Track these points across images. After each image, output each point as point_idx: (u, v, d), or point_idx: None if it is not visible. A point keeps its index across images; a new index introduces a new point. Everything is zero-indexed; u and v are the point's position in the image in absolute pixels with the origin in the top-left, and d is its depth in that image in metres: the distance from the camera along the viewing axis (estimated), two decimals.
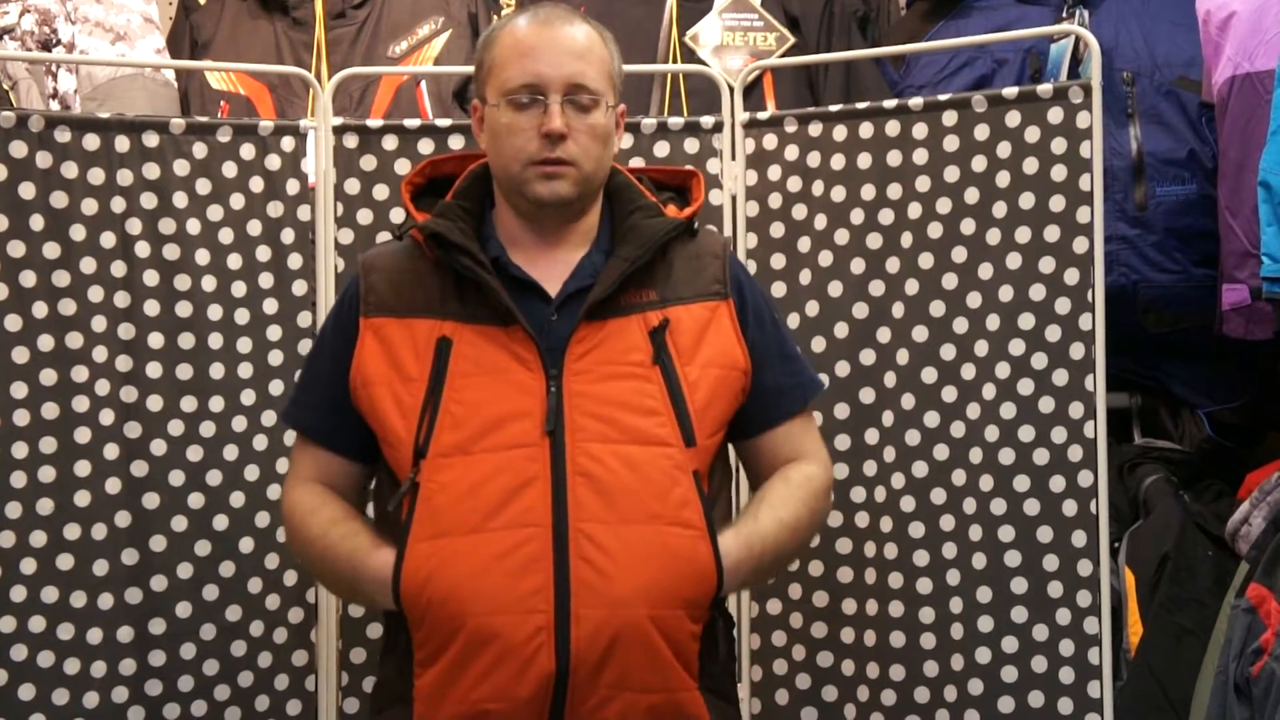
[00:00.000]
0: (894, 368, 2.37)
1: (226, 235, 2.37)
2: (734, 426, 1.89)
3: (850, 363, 2.40)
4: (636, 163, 2.40)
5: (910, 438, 2.36)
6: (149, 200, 2.34)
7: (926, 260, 2.36)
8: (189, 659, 2.33)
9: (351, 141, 2.42)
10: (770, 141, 2.46)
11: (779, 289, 2.44)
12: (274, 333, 2.38)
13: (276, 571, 2.37)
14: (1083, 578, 2.26)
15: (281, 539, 2.33)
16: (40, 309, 2.28)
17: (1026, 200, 2.30)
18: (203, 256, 2.35)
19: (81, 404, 2.29)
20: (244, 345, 2.37)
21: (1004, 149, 2.32)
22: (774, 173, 2.46)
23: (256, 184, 2.39)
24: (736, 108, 2.48)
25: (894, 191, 2.38)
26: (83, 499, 2.29)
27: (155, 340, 2.33)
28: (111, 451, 2.31)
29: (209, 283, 2.35)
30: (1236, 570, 2.33)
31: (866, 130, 2.40)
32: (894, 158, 2.38)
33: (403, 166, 2.40)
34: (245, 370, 2.37)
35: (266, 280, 2.38)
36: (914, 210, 2.36)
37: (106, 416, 2.30)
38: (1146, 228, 2.68)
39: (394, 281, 1.85)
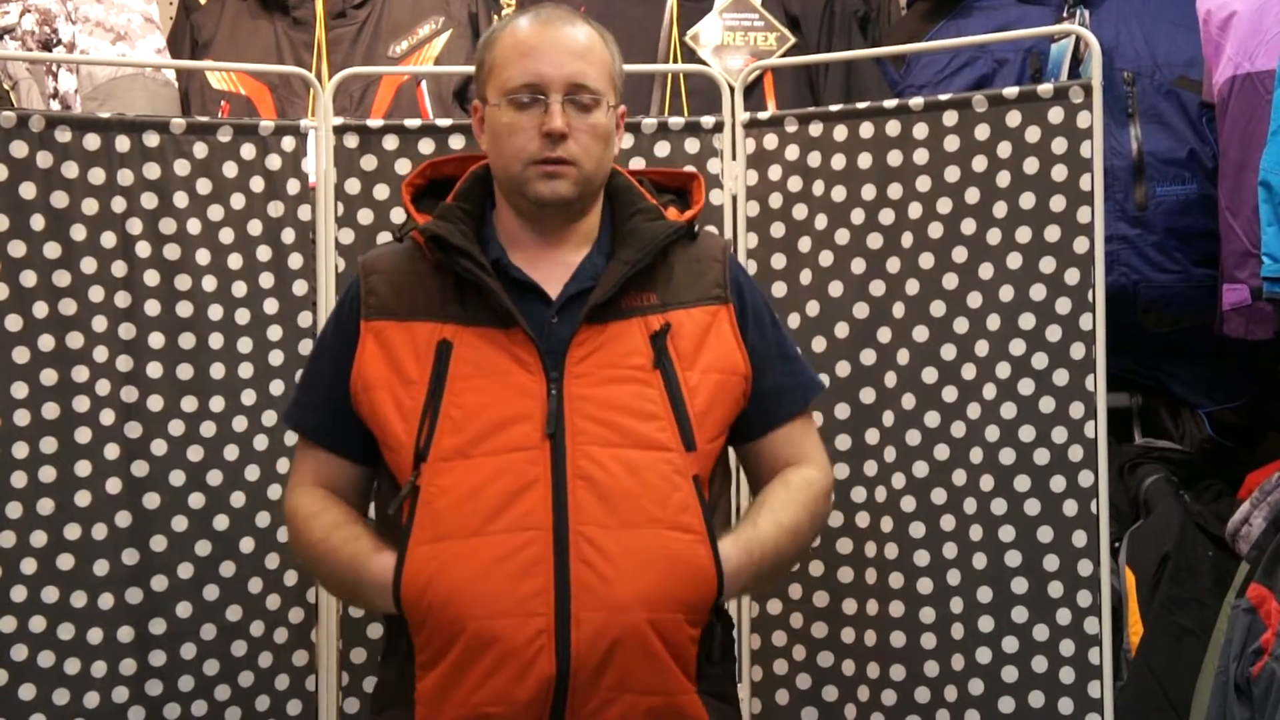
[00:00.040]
0: (894, 368, 2.37)
1: (227, 235, 2.37)
2: (734, 429, 1.89)
3: (851, 363, 2.40)
4: (637, 162, 2.40)
5: (911, 438, 2.36)
6: (149, 200, 2.34)
7: (927, 260, 2.35)
8: (189, 659, 2.33)
9: (352, 141, 2.42)
10: (771, 141, 2.46)
11: (779, 289, 2.44)
12: (274, 333, 2.38)
13: (277, 571, 2.37)
14: (1083, 578, 2.26)
15: (282, 539, 2.33)
16: (41, 309, 2.28)
17: (1027, 200, 2.30)
18: (203, 256, 2.36)
19: (82, 404, 2.29)
20: (244, 345, 2.37)
21: (1004, 149, 2.32)
22: (774, 173, 2.46)
23: (257, 184, 2.39)
24: (737, 108, 2.48)
25: (894, 191, 2.38)
26: (83, 499, 2.29)
27: (156, 340, 2.33)
28: (112, 451, 2.31)
29: (209, 283, 2.35)
30: (1237, 570, 2.33)
31: (867, 130, 2.40)
32: (894, 158, 2.38)
33: (403, 166, 2.40)
34: (246, 370, 2.37)
35: (267, 280, 2.38)
36: (914, 210, 2.36)
37: (107, 416, 2.31)
38: (1147, 228, 2.68)
39: (394, 284, 1.85)
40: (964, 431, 2.33)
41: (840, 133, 2.42)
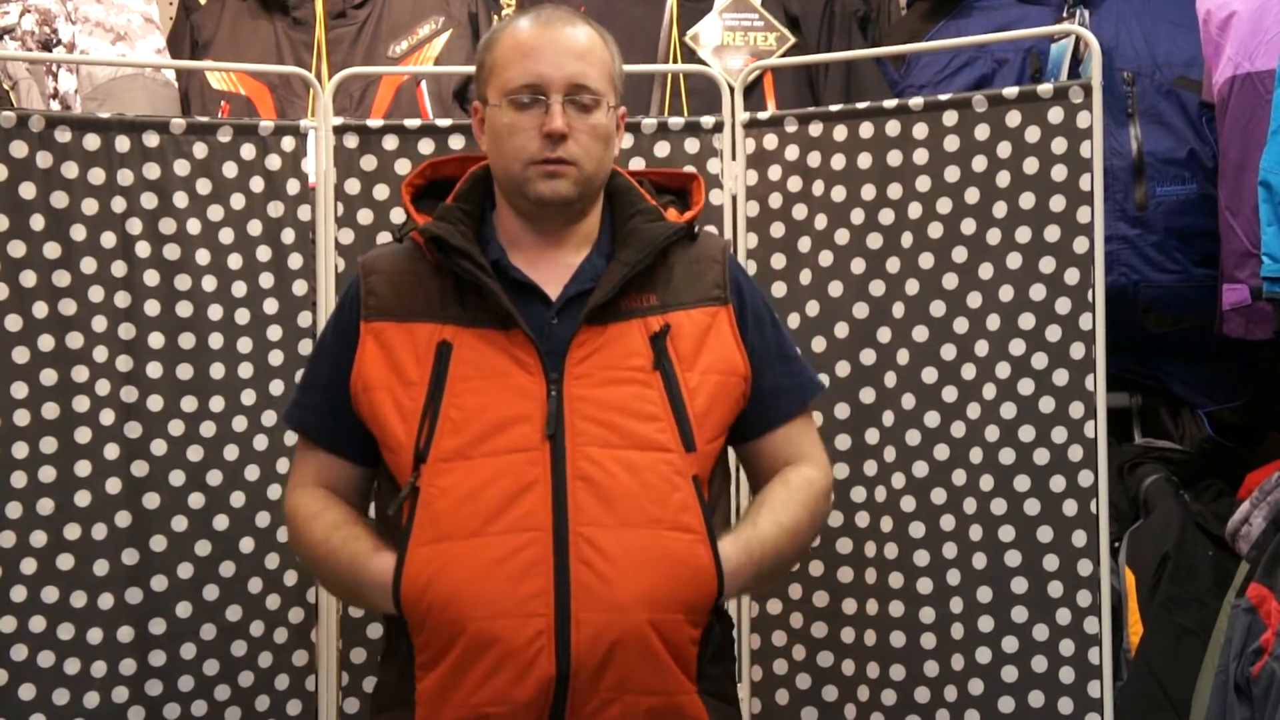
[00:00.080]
0: (894, 367, 2.37)
1: (227, 235, 2.37)
2: (734, 429, 1.89)
3: (850, 363, 2.40)
4: (637, 163, 2.40)
5: (910, 437, 2.36)
6: (149, 200, 2.34)
7: (927, 260, 2.36)
8: (189, 659, 2.33)
9: (352, 141, 2.42)
10: (770, 141, 2.46)
11: (779, 289, 2.44)
12: (274, 333, 2.39)
13: (277, 571, 2.37)
14: (1083, 577, 2.26)
15: (282, 539, 2.33)
16: (41, 309, 2.28)
17: (1027, 200, 2.30)
18: (203, 256, 2.36)
19: (82, 404, 2.29)
20: (244, 345, 2.37)
21: (1004, 149, 2.32)
22: (774, 173, 2.46)
23: (257, 184, 2.39)
24: (737, 108, 2.48)
25: (894, 191, 2.38)
26: (83, 499, 2.29)
27: (156, 340, 2.33)
28: (112, 451, 2.31)
29: (209, 283, 2.36)
30: (1237, 570, 2.33)
31: (867, 130, 2.40)
32: (894, 157, 2.38)
33: (403, 166, 2.40)
34: (245, 370, 2.37)
35: (267, 280, 2.38)
36: (914, 210, 2.36)
37: (107, 416, 2.31)
38: (1147, 227, 2.68)
39: (394, 284, 1.85)
40: (964, 431, 2.33)
41: (840, 133, 2.42)
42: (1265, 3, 2.36)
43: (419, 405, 1.77)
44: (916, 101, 2.38)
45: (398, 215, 2.37)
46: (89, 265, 2.30)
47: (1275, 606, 2.16)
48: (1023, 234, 2.30)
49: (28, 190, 2.28)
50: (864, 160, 2.40)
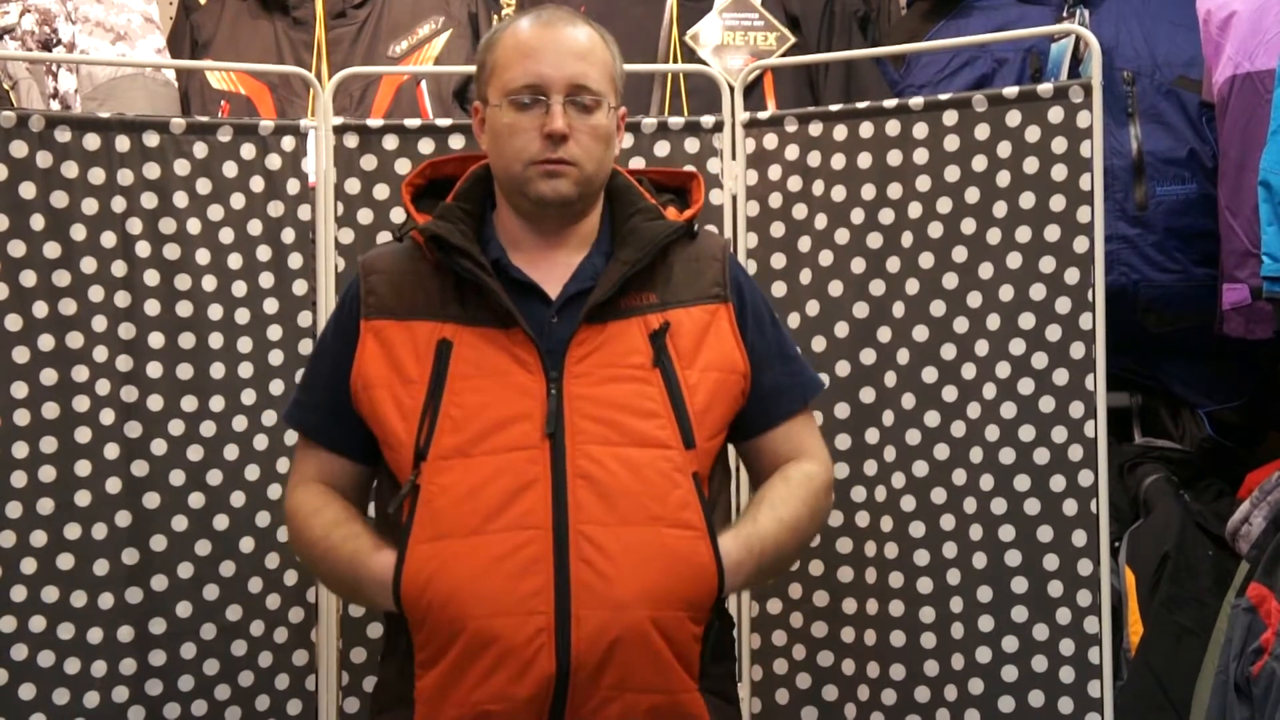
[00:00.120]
0: (894, 367, 2.37)
1: (227, 235, 2.37)
2: (734, 427, 1.89)
3: (850, 362, 2.40)
4: (637, 162, 2.40)
5: (911, 437, 2.36)
6: (149, 200, 2.34)
7: (927, 260, 2.36)
8: (189, 659, 2.33)
9: (352, 141, 2.42)
10: (770, 141, 2.46)
11: (779, 289, 2.44)
12: (274, 332, 2.39)
13: (277, 571, 2.37)
14: (1083, 577, 2.26)
15: (282, 539, 2.33)
16: (41, 309, 2.28)
17: (1027, 200, 2.30)
18: (203, 256, 2.36)
19: (82, 404, 2.29)
20: (244, 345, 2.37)
21: (1004, 148, 2.32)
22: (774, 172, 2.46)
23: (257, 183, 2.39)
24: (737, 107, 2.48)
25: (894, 191, 2.38)
26: (83, 499, 2.29)
27: (156, 340, 2.33)
28: (112, 451, 2.31)
29: (209, 282, 2.36)
30: (1237, 570, 2.33)
31: (867, 130, 2.40)
32: (894, 157, 2.38)
33: (403, 166, 2.40)
34: (246, 370, 2.37)
35: (267, 280, 2.38)
36: (914, 210, 2.36)
37: (107, 416, 2.31)
38: (1147, 227, 2.68)
39: (394, 283, 1.85)
40: (964, 431, 2.33)
41: (840, 132, 2.42)
42: (1265, 3, 2.36)
43: (419, 403, 1.77)
44: (916, 101, 2.38)
45: (398, 215, 2.37)
46: (89, 265, 2.30)
47: (1275, 606, 2.16)
48: (1023, 233, 2.30)
49: (28, 190, 2.28)
50: (864, 160, 2.40)
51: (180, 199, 2.35)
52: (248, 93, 2.96)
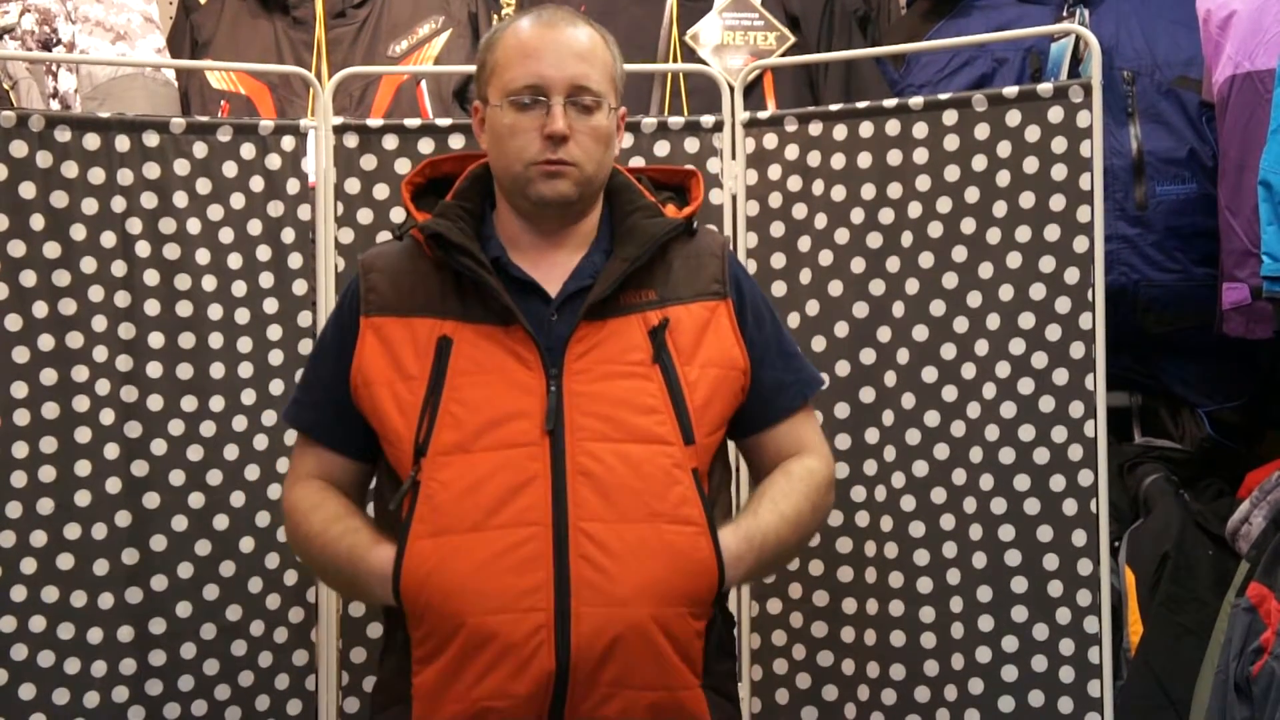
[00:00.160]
0: (894, 367, 2.37)
1: (227, 235, 2.37)
2: (736, 424, 1.89)
3: (850, 362, 2.40)
4: (637, 162, 2.40)
5: (910, 437, 2.36)
6: (149, 200, 2.34)
7: (927, 259, 2.36)
8: (189, 659, 2.33)
9: (352, 141, 2.42)
10: (770, 141, 2.46)
11: (779, 288, 2.44)
12: (274, 332, 2.39)
13: (277, 571, 2.37)
14: (1083, 577, 2.27)
15: (282, 539, 2.33)
16: (40, 309, 2.28)
17: (1027, 199, 2.30)
18: (203, 256, 2.36)
19: (82, 404, 2.29)
20: (244, 345, 2.37)
21: (1004, 148, 2.32)
22: (774, 172, 2.46)
23: (257, 183, 2.39)
24: (737, 107, 2.48)
25: (894, 191, 2.38)
26: (83, 498, 2.29)
27: (155, 340, 2.33)
28: (112, 451, 2.31)
29: (209, 282, 2.36)
30: (1237, 569, 2.33)
31: (867, 129, 2.40)
32: (894, 157, 2.38)
33: (403, 166, 2.40)
34: (245, 370, 2.37)
35: (267, 280, 2.38)
36: (914, 209, 2.37)
37: (107, 416, 2.31)
38: (1147, 227, 2.68)
39: (394, 281, 1.85)
40: (964, 431, 2.33)
41: (840, 132, 2.42)
42: (1265, 2, 2.36)
43: (419, 399, 1.77)
44: (916, 101, 2.38)
45: (397, 215, 2.37)
46: (89, 265, 2.30)
47: (1275, 606, 2.16)
48: (1023, 233, 2.30)
49: (28, 190, 2.28)
50: (864, 159, 2.40)
51: (180, 199, 2.35)
52: (248, 92, 2.96)
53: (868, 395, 2.39)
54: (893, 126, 2.38)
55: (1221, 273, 2.48)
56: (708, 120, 2.46)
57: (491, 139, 1.84)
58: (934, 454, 2.34)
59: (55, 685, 2.26)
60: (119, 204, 2.32)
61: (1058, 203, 2.28)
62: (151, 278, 2.33)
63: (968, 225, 2.34)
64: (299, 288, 2.40)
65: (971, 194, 2.33)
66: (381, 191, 2.41)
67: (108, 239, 2.31)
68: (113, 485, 2.31)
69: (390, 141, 2.42)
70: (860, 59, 2.92)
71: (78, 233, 2.30)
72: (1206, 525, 2.53)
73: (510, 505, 1.71)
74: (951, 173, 2.34)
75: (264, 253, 2.38)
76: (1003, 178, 2.32)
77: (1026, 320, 2.30)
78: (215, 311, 2.36)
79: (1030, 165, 2.30)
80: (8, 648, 2.24)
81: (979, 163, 2.33)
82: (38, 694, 2.25)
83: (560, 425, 1.74)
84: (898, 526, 2.36)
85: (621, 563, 1.70)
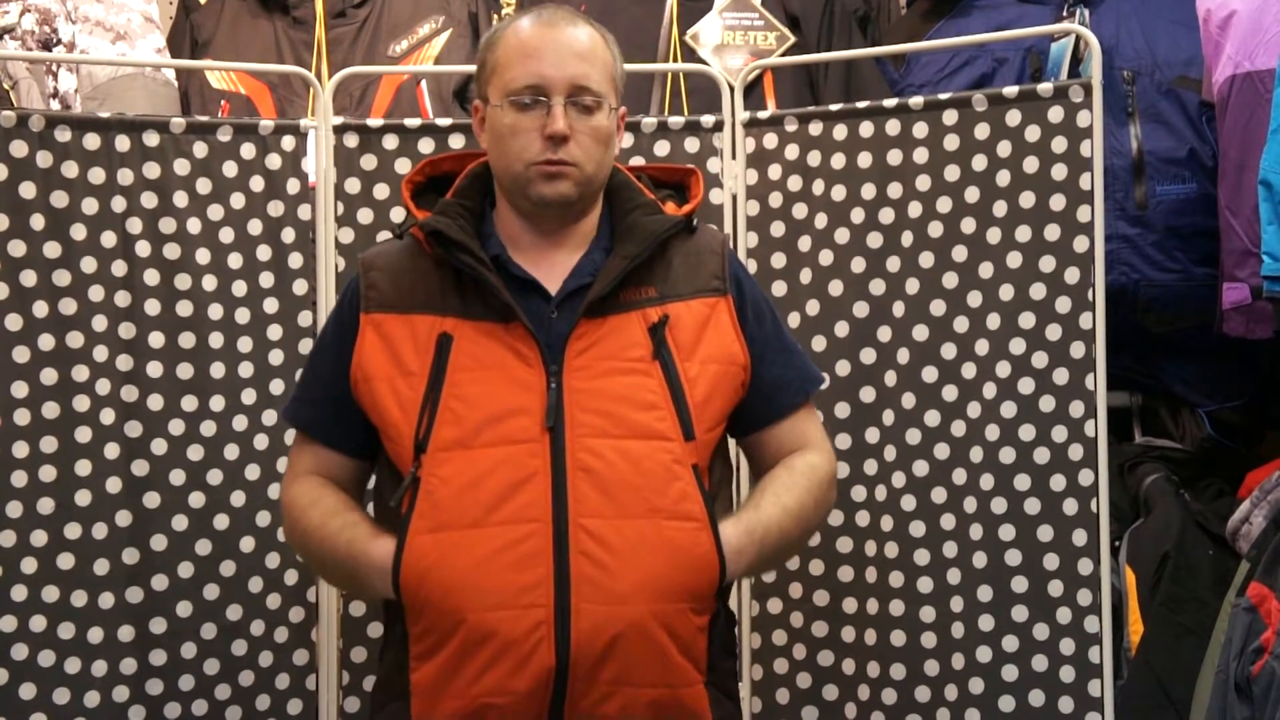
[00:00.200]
0: (894, 366, 2.37)
1: (227, 234, 2.37)
2: (737, 421, 1.89)
3: (851, 362, 2.40)
4: (637, 162, 2.40)
5: (911, 436, 2.36)
6: (149, 199, 2.34)
7: (927, 259, 2.36)
8: (190, 658, 2.33)
9: (352, 141, 2.42)
10: (770, 140, 2.46)
11: (779, 288, 2.44)
12: (275, 332, 2.39)
13: (277, 571, 2.37)
14: (1083, 576, 2.27)
15: (283, 538, 2.32)
16: (41, 308, 2.28)
17: (1027, 199, 2.30)
18: (203, 256, 2.36)
19: (82, 403, 2.29)
20: (244, 344, 2.37)
21: (1004, 148, 2.32)
22: (774, 172, 2.46)
23: (257, 183, 2.39)
24: (737, 107, 2.48)
25: (894, 190, 2.38)
26: (83, 498, 2.29)
27: (156, 339, 2.33)
28: (112, 451, 2.31)
29: (209, 282, 2.36)
30: (1237, 569, 2.33)
31: (867, 129, 2.40)
32: (894, 157, 2.38)
33: (403, 166, 2.40)
34: (246, 369, 2.37)
35: (267, 279, 2.38)
36: (914, 209, 2.37)
37: (107, 416, 2.31)
38: (1147, 227, 2.68)
39: (395, 278, 1.85)
40: (964, 430, 2.33)
41: (840, 132, 2.42)
42: (1265, 2, 2.36)
43: (419, 395, 1.78)
44: (916, 101, 2.38)
45: (398, 214, 2.38)
46: (89, 265, 2.30)
47: (1275, 605, 2.16)
48: (1023, 233, 2.30)
49: (28, 190, 2.28)
50: (864, 159, 2.40)
51: (180, 199, 2.35)
52: (248, 92, 2.96)
53: (868, 395, 2.39)
54: (893, 126, 2.38)
55: (1222, 272, 2.48)
56: (708, 120, 2.46)
57: (492, 138, 1.84)
58: (934, 454, 2.34)
59: (56, 685, 2.26)
60: (119, 204, 2.32)
61: (1058, 202, 2.28)
62: (152, 277, 2.33)
63: (968, 225, 2.34)
64: (299, 287, 2.40)
65: (972, 194, 2.34)
66: (382, 191, 2.41)
67: (108, 239, 2.31)
68: (113, 485, 2.31)
69: (390, 141, 2.42)
70: (860, 59, 2.92)
71: (78, 232, 2.30)
72: (1207, 525, 2.53)
73: (510, 501, 1.71)
74: (951, 172, 2.34)
75: (264, 252, 2.38)
76: (1003, 177, 2.32)
77: (1027, 320, 2.30)
78: (215, 311, 2.36)
79: (1030, 165, 2.30)
80: (8, 647, 2.24)
81: (979, 162, 2.33)
82: (38, 693, 2.25)
83: (560, 421, 1.74)
84: (898, 526, 2.36)
85: (622, 559, 1.70)
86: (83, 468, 2.29)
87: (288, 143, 2.40)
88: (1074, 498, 2.27)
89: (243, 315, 2.37)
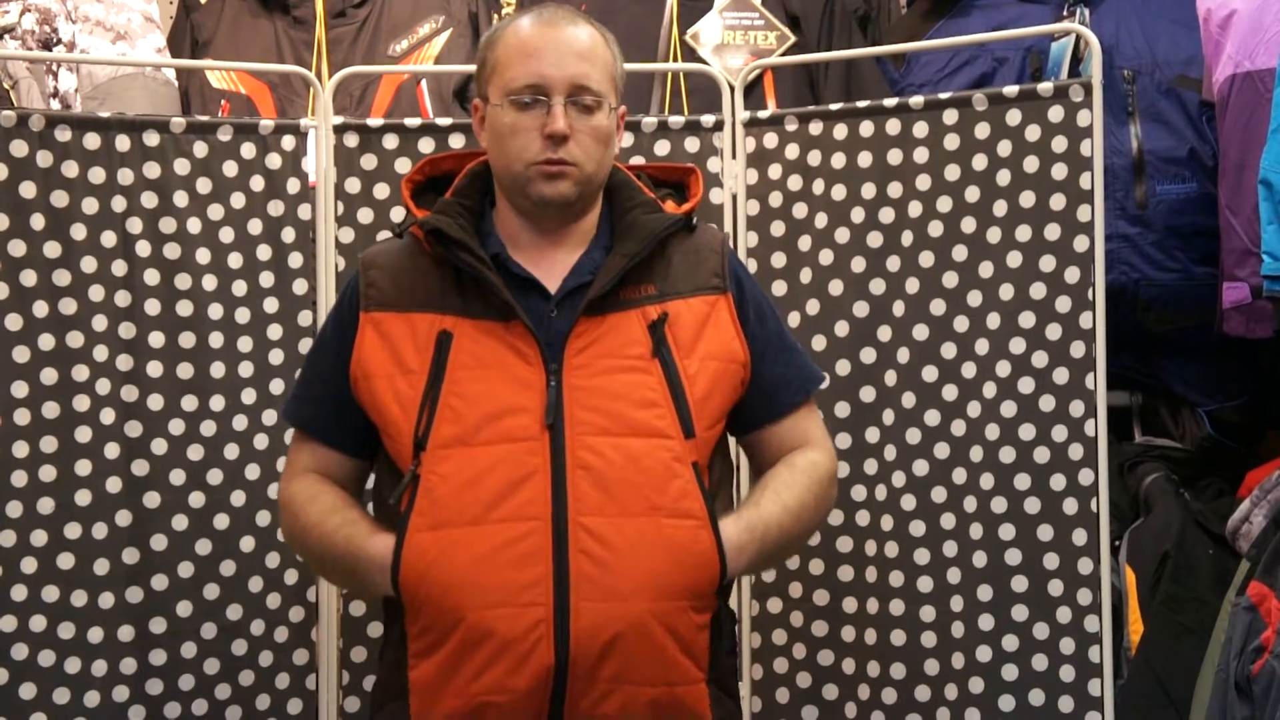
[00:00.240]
0: (894, 366, 2.37)
1: (227, 234, 2.37)
2: (738, 420, 1.89)
3: (851, 361, 2.40)
4: (637, 161, 2.39)
5: (911, 436, 2.36)
6: (149, 199, 2.34)
7: (927, 259, 2.36)
8: (190, 658, 2.33)
9: (352, 140, 2.42)
10: (771, 140, 2.46)
11: (779, 287, 2.44)
12: (275, 331, 2.39)
13: (277, 570, 2.37)
14: (1083, 576, 2.27)
15: (283, 538, 2.33)
16: (41, 308, 2.28)
17: (1027, 199, 2.30)
18: (203, 255, 2.36)
19: (82, 403, 2.29)
20: (244, 344, 2.37)
21: (1004, 147, 2.32)
22: (774, 171, 2.46)
23: (257, 183, 2.39)
24: (737, 106, 2.48)
25: (894, 190, 2.38)
26: (83, 498, 2.29)
27: (156, 339, 2.33)
28: (112, 450, 2.31)
29: (210, 281, 2.36)
30: (1237, 568, 2.33)
31: (867, 129, 2.40)
32: (894, 156, 2.38)
33: (403, 165, 2.40)
34: (246, 369, 2.37)
35: (267, 279, 2.38)
36: (914, 209, 2.37)
37: (107, 415, 2.31)
38: (1147, 226, 2.68)
39: (394, 277, 1.85)
40: (964, 430, 2.33)
41: (840, 131, 2.42)
42: (1265, 1, 2.36)
43: (418, 393, 1.78)
44: (917, 100, 2.38)
45: (398, 214, 2.38)
46: (89, 264, 2.30)
47: (1275, 605, 2.16)
48: (1023, 232, 2.30)
49: (28, 189, 2.28)
50: (864, 159, 2.40)
51: (180, 198, 2.35)
52: (248, 92, 2.96)
53: (868, 394, 2.39)
54: (893, 126, 2.38)
55: (1222, 272, 2.49)
56: (708, 120, 2.46)
57: (492, 138, 1.84)
58: (934, 453, 2.34)
59: (56, 685, 2.26)
60: (119, 203, 2.32)
61: (1058, 202, 2.28)
62: (152, 277, 2.33)
63: (968, 224, 2.34)
64: (299, 287, 2.40)
65: (972, 193, 2.34)
66: (382, 191, 2.41)
67: (108, 238, 2.31)
68: (113, 484, 2.31)
69: (390, 141, 2.42)
70: (860, 58, 2.92)
71: (78, 232, 2.30)
72: (1207, 524, 2.53)
73: (510, 500, 1.71)
74: (952, 172, 2.34)
75: (264, 252, 2.38)
76: (1003, 177, 2.32)
77: (1027, 319, 2.30)
78: (215, 311, 2.36)
79: (1030, 164, 2.30)
80: (8, 647, 2.24)
81: (979, 162, 2.33)
82: (38, 693, 2.25)
83: (560, 419, 1.74)
84: (898, 525, 2.36)
85: (621, 557, 1.70)
86: (83, 467, 2.29)
87: (288, 142, 2.40)
88: (1074, 497, 2.27)
89: (243, 315, 2.37)
